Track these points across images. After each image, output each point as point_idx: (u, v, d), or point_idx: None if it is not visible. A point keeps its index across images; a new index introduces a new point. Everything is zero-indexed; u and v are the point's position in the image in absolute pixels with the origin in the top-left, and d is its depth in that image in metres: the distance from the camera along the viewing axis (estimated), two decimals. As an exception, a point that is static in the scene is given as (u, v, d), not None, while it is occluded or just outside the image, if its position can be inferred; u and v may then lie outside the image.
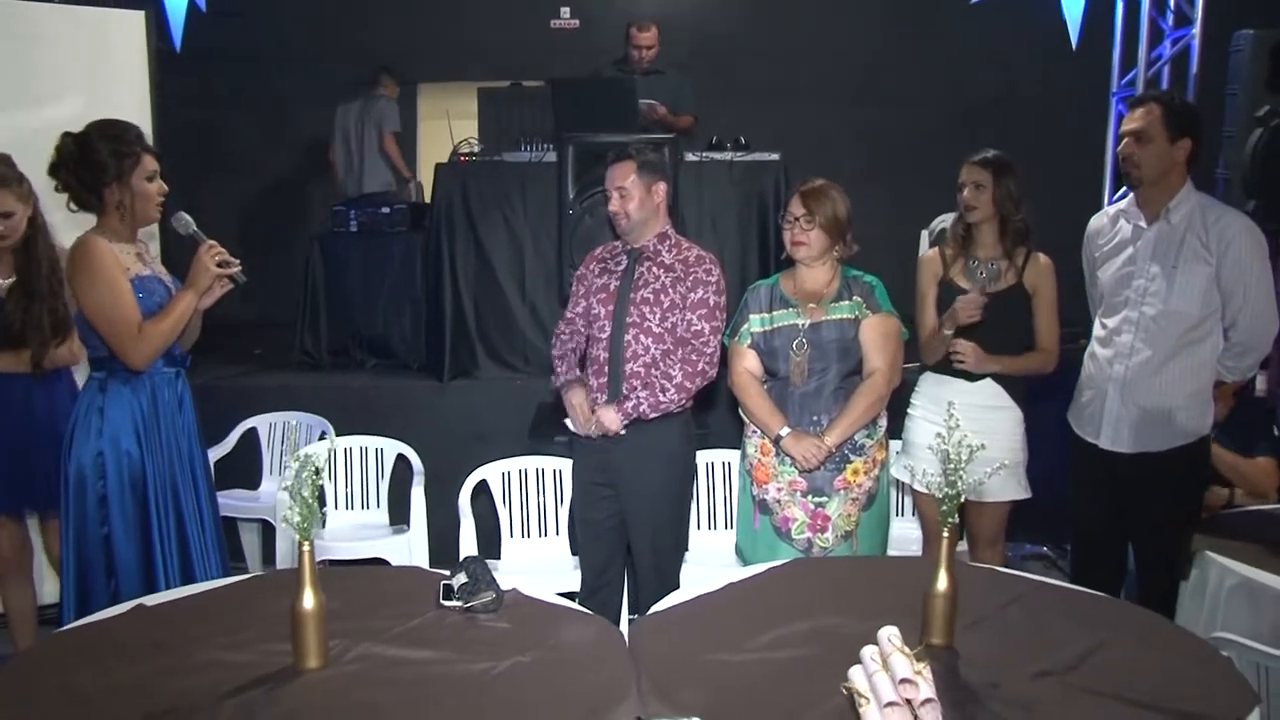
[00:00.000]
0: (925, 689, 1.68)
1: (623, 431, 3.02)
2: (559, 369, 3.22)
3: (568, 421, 3.16)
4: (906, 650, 1.79)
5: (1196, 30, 4.80)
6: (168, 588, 2.59)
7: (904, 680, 1.69)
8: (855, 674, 1.77)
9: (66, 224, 2.77)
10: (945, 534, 1.99)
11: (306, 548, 1.86)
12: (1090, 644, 1.98)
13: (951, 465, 1.96)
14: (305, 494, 1.83)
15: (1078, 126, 5.74)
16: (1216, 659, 1.98)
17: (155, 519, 2.69)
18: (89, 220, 2.71)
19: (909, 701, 1.66)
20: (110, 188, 2.65)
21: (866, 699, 1.70)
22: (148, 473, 2.69)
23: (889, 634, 1.85)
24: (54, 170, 2.66)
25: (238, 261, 2.74)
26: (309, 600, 1.86)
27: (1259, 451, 3.41)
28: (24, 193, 3.15)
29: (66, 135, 2.66)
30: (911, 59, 7.16)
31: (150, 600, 2.23)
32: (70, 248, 2.67)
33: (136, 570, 2.67)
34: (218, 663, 1.90)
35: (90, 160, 2.62)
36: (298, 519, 1.83)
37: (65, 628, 2.13)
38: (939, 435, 2.01)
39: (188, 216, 2.78)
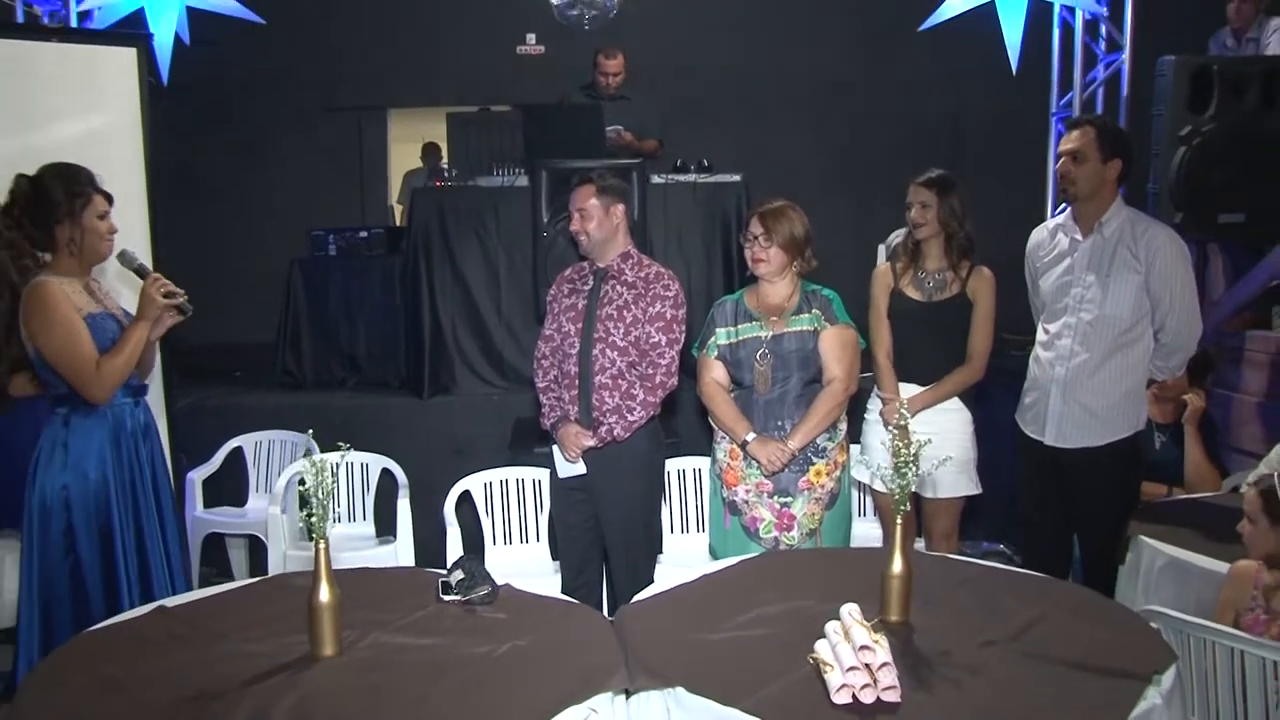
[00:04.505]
0: (882, 654, 1.89)
1: (599, 445, 3.24)
2: (545, 407, 3.39)
3: (558, 467, 3.33)
4: (865, 622, 2.00)
5: (1126, 55, 5.10)
6: (131, 609, 2.65)
7: (863, 647, 1.90)
8: (820, 646, 1.97)
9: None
10: (899, 520, 2.21)
11: (323, 545, 2.04)
12: (1031, 617, 2.19)
13: (900, 459, 2.18)
14: (320, 496, 2.01)
15: (1023, 145, 6.00)
16: (1143, 626, 2.20)
17: (119, 545, 2.77)
18: None
19: (868, 666, 1.87)
20: (62, 225, 2.73)
21: (831, 666, 1.90)
22: (112, 501, 2.76)
23: (849, 610, 2.06)
24: (6, 210, 2.73)
25: (183, 292, 2.84)
26: (325, 593, 2.04)
27: None
28: None
29: (21, 176, 2.75)
30: (869, 83, 7.39)
31: (170, 602, 2.37)
32: (24, 292, 2.72)
33: (100, 595, 2.74)
34: (239, 654, 2.04)
35: (43, 198, 2.72)
36: (314, 519, 2.01)
37: (89, 630, 2.26)
38: (890, 429, 2.23)
39: (132, 251, 2.90)
